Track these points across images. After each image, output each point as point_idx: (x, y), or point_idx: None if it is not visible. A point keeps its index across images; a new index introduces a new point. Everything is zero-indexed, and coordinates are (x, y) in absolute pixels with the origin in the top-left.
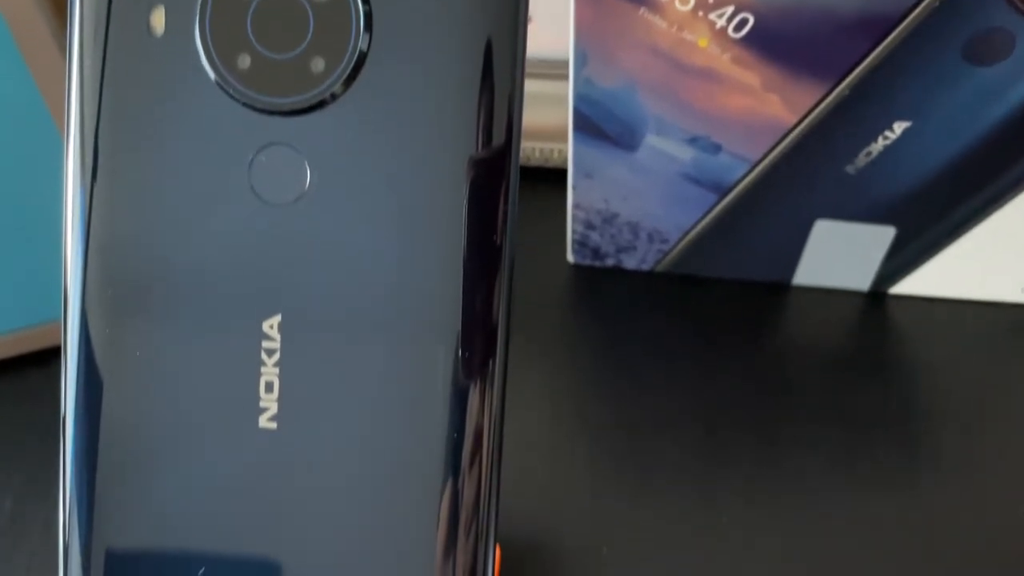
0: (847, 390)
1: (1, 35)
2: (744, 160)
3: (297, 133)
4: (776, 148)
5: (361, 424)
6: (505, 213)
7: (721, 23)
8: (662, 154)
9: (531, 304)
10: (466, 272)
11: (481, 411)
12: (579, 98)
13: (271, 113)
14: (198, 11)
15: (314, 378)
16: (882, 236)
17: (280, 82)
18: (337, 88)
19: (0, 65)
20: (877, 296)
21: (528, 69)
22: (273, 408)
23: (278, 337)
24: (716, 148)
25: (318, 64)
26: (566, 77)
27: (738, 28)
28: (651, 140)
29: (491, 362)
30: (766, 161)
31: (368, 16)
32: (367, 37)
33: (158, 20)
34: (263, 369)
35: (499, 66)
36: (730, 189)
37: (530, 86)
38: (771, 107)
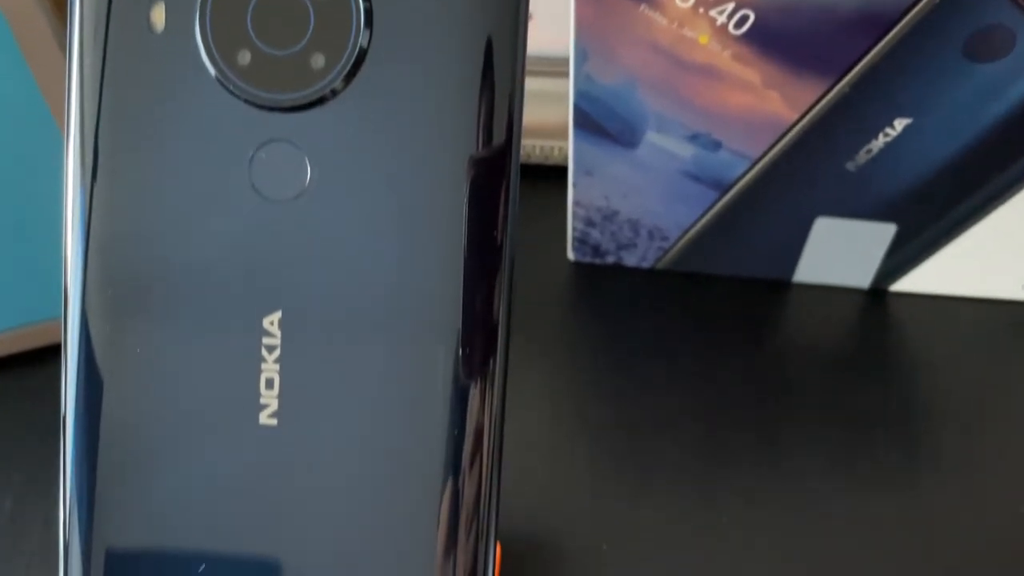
0: (847, 388)
1: (1, 33)
2: (744, 157)
3: (297, 129)
4: (777, 145)
5: (361, 421)
6: (506, 210)
7: (722, 20)
8: (662, 151)
9: (531, 302)
10: (467, 270)
11: (482, 409)
12: (579, 95)
13: (271, 109)
14: (198, 7)
15: (314, 375)
16: (883, 233)
17: (280, 78)
18: (337, 84)
19: (0, 63)
20: (878, 293)
21: (528, 66)
22: (273, 405)
23: (278, 334)
24: (716, 145)
25: (318, 60)
26: (566, 74)
27: (739, 25)
28: (651, 137)
29: (492, 360)
30: (766, 158)
31: (368, 12)
32: (367, 33)
33: (158, 16)
34: (263, 366)
35: (500, 63)
36: (730, 186)
37: (530, 84)
38: (771, 104)
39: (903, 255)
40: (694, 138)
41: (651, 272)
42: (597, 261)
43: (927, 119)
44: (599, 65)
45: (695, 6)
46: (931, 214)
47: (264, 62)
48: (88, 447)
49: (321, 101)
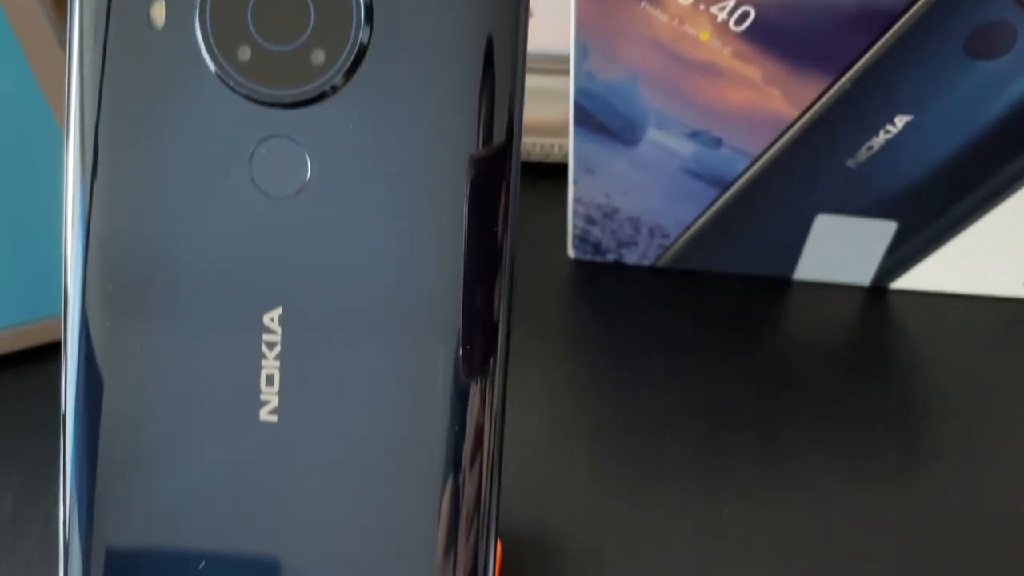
0: (848, 386)
1: (1, 30)
2: (745, 154)
3: (298, 125)
4: (777, 142)
5: (361, 419)
6: (506, 208)
7: (722, 16)
8: (663, 148)
9: (531, 299)
10: (467, 267)
11: (482, 408)
12: (580, 92)
13: (272, 105)
14: (198, 3)
15: (315, 371)
16: (883, 231)
17: (280, 74)
18: (338, 80)
19: (0, 60)
20: (878, 291)
21: (529, 63)
22: (274, 401)
23: (279, 330)
24: (717, 142)
25: (318, 56)
26: (567, 72)
27: (739, 22)
28: (652, 134)
29: (492, 358)
30: (767, 155)
31: (369, 9)
32: (368, 30)
33: (158, 13)
34: (264, 362)
35: (500, 61)
36: (731, 184)
37: (530, 81)
38: (772, 101)
39: (904, 252)
40: (695, 135)
41: (652, 270)
42: (597, 259)
43: (928, 116)
44: (600, 62)
45: (696, 3)
46: (932, 211)
47: (264, 58)
48: (88, 445)
49: (321, 97)
